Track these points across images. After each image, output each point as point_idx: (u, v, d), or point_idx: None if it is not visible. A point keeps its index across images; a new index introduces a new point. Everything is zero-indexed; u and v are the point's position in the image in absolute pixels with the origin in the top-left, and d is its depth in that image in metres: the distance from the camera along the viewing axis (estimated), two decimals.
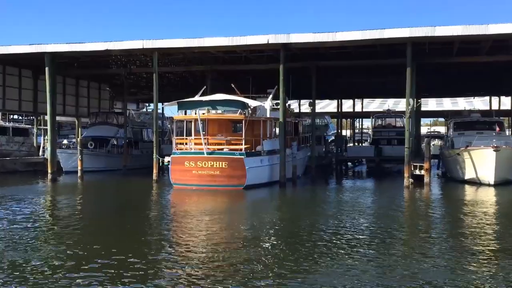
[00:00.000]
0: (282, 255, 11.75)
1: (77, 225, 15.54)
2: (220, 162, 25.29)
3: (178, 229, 14.95)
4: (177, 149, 26.77)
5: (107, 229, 14.90)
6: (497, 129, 32.07)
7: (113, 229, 14.95)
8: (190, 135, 27.75)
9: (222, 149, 26.10)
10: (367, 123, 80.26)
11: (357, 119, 69.23)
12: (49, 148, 30.84)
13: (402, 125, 39.77)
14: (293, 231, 14.55)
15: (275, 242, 13.19)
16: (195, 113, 27.42)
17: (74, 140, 41.36)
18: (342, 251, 12.05)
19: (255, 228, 15.06)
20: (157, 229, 14.89)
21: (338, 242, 13.08)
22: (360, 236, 13.81)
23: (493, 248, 12.50)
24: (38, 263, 10.90)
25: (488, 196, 23.47)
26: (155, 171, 28.89)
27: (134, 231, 14.57)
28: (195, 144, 26.74)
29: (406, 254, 11.85)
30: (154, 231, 14.55)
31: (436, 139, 57.47)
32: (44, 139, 38.24)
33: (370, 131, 57.04)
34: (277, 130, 29.38)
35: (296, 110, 51.64)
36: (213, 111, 27.79)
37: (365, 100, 61.94)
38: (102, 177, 32.87)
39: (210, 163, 25.37)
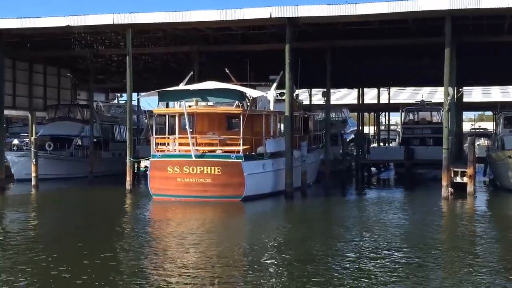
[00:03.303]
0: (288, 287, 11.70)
1: (28, 249, 15.35)
2: (212, 168, 25.26)
3: (158, 255, 14.88)
4: (157, 151, 26.72)
5: (67, 256, 14.72)
6: None
7: (74, 255, 14.77)
8: (174, 133, 27.66)
9: (214, 150, 26.06)
10: (396, 117, 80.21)
11: (383, 113, 69.19)
12: None
13: (439, 121, 39.73)
14: (303, 256, 14.50)
15: (279, 271, 13.15)
16: (180, 106, 27.35)
17: (27, 139, 41.28)
18: (364, 284, 11.98)
19: (255, 251, 15.01)
20: (130, 256, 14.75)
21: (359, 272, 13.01)
22: (387, 265, 13.71)
23: None
24: None
25: None
26: (128, 178, 28.82)
27: (101, 258, 14.39)
28: (180, 144, 26.68)
29: None
30: (126, 258, 14.42)
31: (482, 138, 57.60)
32: None
33: (399, 128, 56.94)
34: (283, 127, 29.35)
35: (306, 102, 51.57)
36: (203, 103, 27.72)
37: (393, 89, 61.91)
38: (63, 187, 32.83)
39: (200, 168, 25.34)
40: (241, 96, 26.77)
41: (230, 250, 15.29)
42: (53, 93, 46.57)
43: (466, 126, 67.81)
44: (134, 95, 41.89)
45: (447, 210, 23.66)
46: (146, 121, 46.16)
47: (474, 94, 66.56)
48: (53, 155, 36.34)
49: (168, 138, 27.68)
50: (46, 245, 16.29)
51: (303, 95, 51.81)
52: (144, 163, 39.31)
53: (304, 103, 43.01)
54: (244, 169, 25.26)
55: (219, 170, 25.25)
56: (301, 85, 34.45)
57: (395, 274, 12.72)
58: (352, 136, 49.93)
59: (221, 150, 25.98)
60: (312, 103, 54.69)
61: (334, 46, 32.85)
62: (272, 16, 26.93)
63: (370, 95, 62.66)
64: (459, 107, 41.75)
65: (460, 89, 39.79)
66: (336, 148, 39.65)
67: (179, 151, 26.45)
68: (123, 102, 49.74)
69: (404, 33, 31.00)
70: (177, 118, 27.91)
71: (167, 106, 31.55)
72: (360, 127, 54.04)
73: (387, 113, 68.64)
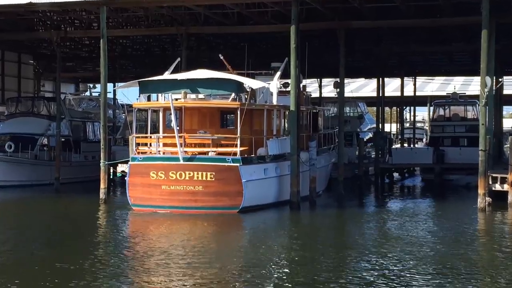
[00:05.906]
0: None
1: None
2: (204, 173, 25.27)
3: (136, 279, 14.82)
4: (138, 153, 26.74)
5: (24, 282, 14.59)
6: None
7: (32, 282, 14.62)
8: (157, 131, 27.67)
9: (206, 152, 26.09)
10: (423, 113, 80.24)
11: (407, 108, 69.28)
12: None
13: (475, 117, 39.81)
14: (311, 279, 14.52)
15: None
16: (165, 99, 27.38)
17: None
18: None
19: (254, 273, 15.02)
20: (103, 280, 14.65)
21: None
22: None
23: None
24: None
25: None
26: (103, 185, 28.79)
27: (66, 283, 14.24)
28: (165, 145, 26.70)
29: None
30: (97, 283, 14.33)
31: None
32: None
33: (427, 126, 57.03)
34: (287, 124, 29.39)
35: (316, 95, 51.62)
36: (192, 96, 27.75)
37: (420, 79, 61.95)
38: (25, 195, 32.77)
39: (189, 174, 25.35)
40: (238, 87, 26.73)
41: (223, 272, 15.27)
42: (12, 83, 46.62)
43: (507, 124, 67.90)
44: (110, 86, 41.93)
45: (484, 224, 23.66)
46: (124, 117, 46.27)
47: None
48: (13, 157, 36.27)
49: (151, 137, 27.69)
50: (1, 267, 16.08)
51: (311, 86, 51.89)
52: (121, 168, 39.34)
53: (312, 96, 43.13)
54: (242, 175, 25.27)
55: (212, 176, 25.25)
56: (309, 74, 34.54)
57: None
58: (370, 135, 49.97)
59: (215, 152, 25.98)
60: (322, 95, 54.73)
61: (349, 27, 32.81)
62: None
63: (392, 86, 62.70)
64: (498, 100, 41.85)
65: (500, 79, 39.79)
66: (351, 149, 39.73)
67: (163, 153, 26.47)
68: (96, 94, 49.71)
69: (433, 12, 31.06)
70: (161, 114, 27.93)
71: (149, 99, 31.59)
72: (380, 125, 54.11)
73: (412, 108, 68.64)
